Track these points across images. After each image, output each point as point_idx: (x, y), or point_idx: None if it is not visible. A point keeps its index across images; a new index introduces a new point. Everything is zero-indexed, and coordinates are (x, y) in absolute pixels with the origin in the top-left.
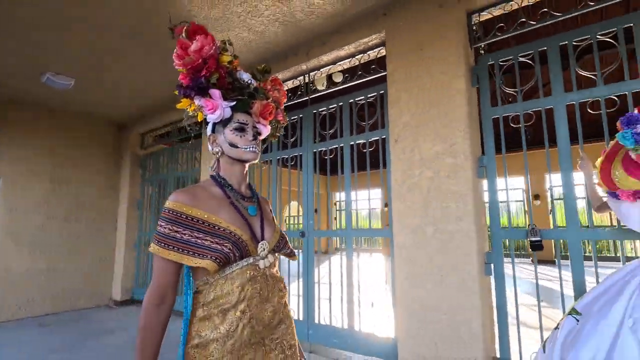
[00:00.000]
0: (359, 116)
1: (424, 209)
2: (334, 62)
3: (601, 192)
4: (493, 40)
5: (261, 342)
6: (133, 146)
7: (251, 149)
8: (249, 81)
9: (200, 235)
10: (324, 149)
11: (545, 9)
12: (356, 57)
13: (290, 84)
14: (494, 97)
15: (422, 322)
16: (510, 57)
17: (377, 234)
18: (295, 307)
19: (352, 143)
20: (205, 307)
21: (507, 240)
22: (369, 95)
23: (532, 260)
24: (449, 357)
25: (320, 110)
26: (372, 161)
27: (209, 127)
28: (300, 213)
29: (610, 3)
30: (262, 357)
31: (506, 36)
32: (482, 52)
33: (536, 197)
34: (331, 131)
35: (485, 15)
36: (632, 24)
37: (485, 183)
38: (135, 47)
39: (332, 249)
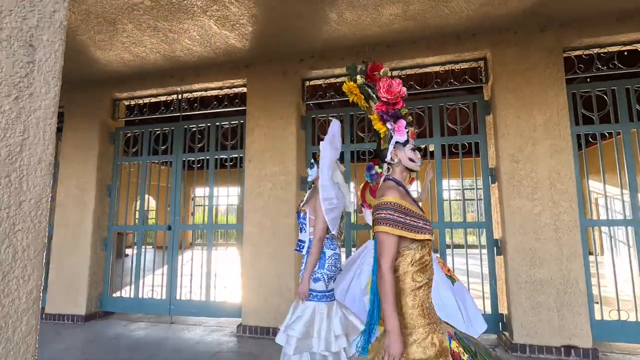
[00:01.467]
0: (223, 136)
1: (265, 209)
2: (205, 90)
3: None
4: (316, 101)
5: None
6: (102, 114)
7: (420, 163)
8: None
9: (414, 219)
10: (192, 159)
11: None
12: (223, 90)
13: (163, 98)
14: (315, 138)
15: (259, 285)
16: (324, 115)
17: (233, 227)
18: (158, 289)
19: (216, 157)
20: (416, 263)
21: None
22: (232, 122)
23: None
24: (274, 304)
25: (190, 126)
26: (231, 170)
27: (391, 144)
28: (154, 207)
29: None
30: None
31: (325, 101)
32: (312, 106)
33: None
34: (199, 145)
35: (314, 82)
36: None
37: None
38: None
39: (188, 243)
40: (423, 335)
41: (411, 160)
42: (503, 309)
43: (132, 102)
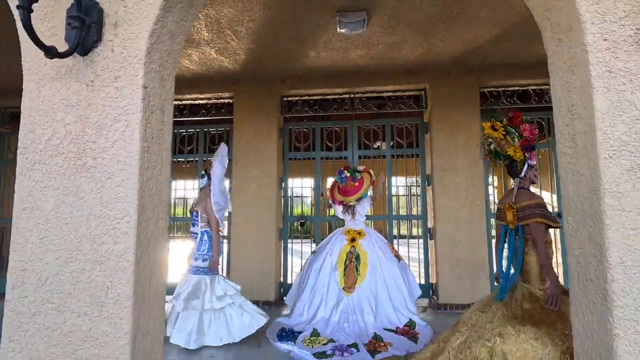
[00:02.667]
0: (211, 141)
1: (252, 204)
2: (194, 100)
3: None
4: (292, 115)
5: None
6: None
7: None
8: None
9: (548, 212)
10: (181, 159)
11: (317, 107)
12: (211, 100)
13: None
14: (290, 146)
15: (245, 266)
16: (299, 127)
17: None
18: None
19: (205, 159)
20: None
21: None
22: (218, 129)
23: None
24: (258, 281)
25: (180, 131)
26: None
27: (526, 166)
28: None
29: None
30: None
31: (300, 115)
32: (288, 119)
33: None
34: (189, 147)
35: (291, 99)
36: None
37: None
38: None
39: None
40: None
41: (536, 177)
42: (433, 280)
43: None
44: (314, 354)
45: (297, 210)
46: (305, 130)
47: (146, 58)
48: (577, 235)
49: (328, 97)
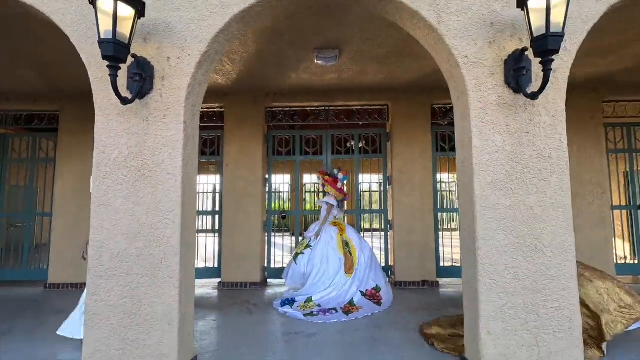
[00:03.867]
0: (204, 145)
1: (238, 201)
2: None
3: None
4: (275, 123)
5: None
6: None
7: None
8: None
9: None
10: None
11: (298, 117)
12: (203, 110)
13: None
14: (274, 150)
15: (234, 253)
16: (281, 134)
17: (210, 213)
18: None
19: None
20: None
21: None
22: (210, 134)
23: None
24: (245, 265)
25: None
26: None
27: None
28: None
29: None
30: None
31: (282, 124)
32: (271, 127)
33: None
34: None
35: (274, 109)
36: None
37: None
38: None
39: None
40: None
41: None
42: (391, 262)
43: None
44: (304, 314)
45: (274, 205)
46: (287, 137)
47: (185, 102)
48: (463, 223)
49: (306, 109)
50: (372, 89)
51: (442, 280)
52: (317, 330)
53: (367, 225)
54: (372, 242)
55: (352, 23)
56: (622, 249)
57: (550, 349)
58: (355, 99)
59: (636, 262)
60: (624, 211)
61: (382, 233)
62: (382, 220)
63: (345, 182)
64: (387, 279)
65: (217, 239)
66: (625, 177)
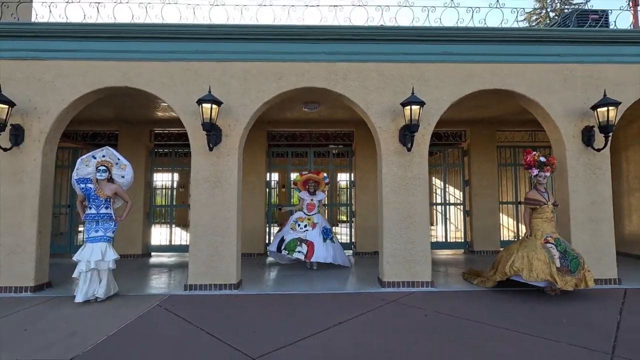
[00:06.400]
0: None
1: (250, 197)
2: None
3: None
4: (274, 142)
5: None
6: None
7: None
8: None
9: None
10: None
11: (290, 138)
12: None
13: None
14: (275, 162)
15: (243, 237)
16: (278, 150)
17: None
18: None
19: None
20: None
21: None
22: None
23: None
24: (251, 245)
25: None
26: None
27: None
28: None
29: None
30: None
31: (279, 143)
32: (271, 145)
33: (283, 186)
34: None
35: (274, 132)
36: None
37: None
38: None
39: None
40: None
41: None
42: (354, 239)
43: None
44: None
45: (274, 200)
46: (282, 152)
47: (239, 148)
48: (379, 210)
49: (296, 132)
50: (342, 120)
51: None
52: (304, 273)
53: (343, 218)
54: (341, 229)
55: (325, 99)
56: (507, 231)
57: (416, 270)
58: (330, 126)
59: (516, 239)
60: (510, 205)
61: (349, 220)
62: (349, 211)
63: (326, 182)
64: (352, 251)
65: None
66: (512, 182)
